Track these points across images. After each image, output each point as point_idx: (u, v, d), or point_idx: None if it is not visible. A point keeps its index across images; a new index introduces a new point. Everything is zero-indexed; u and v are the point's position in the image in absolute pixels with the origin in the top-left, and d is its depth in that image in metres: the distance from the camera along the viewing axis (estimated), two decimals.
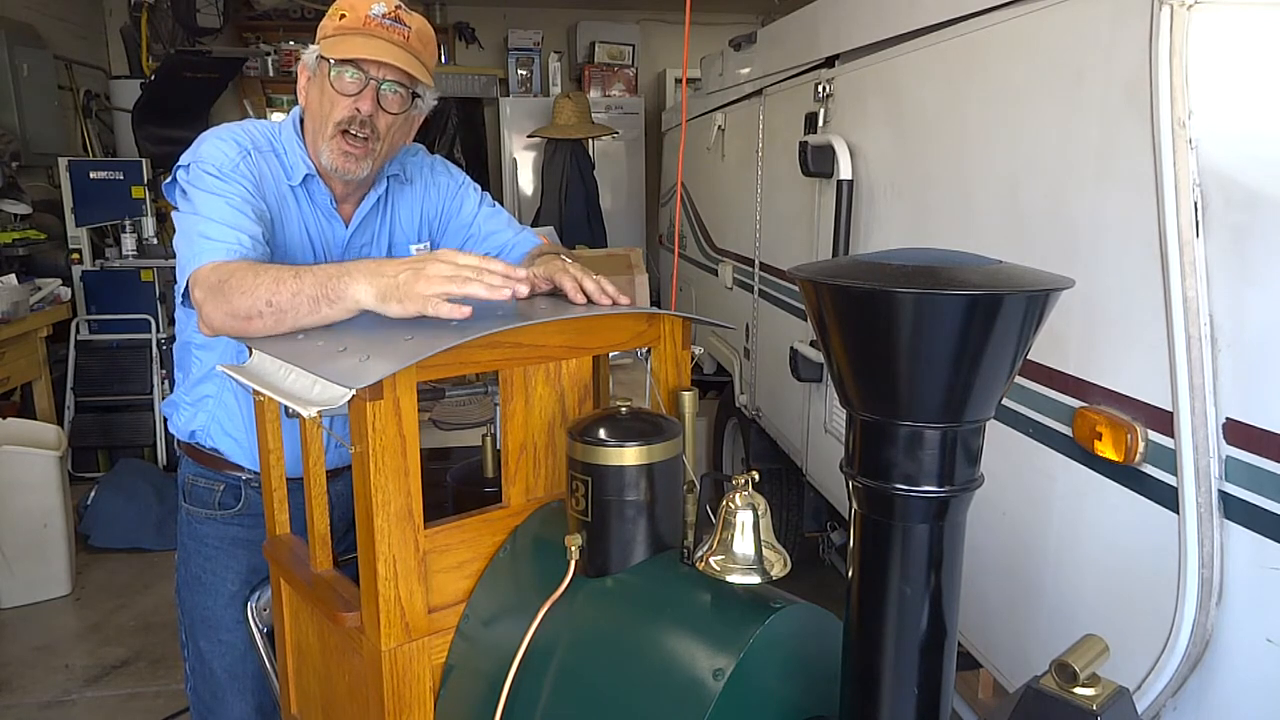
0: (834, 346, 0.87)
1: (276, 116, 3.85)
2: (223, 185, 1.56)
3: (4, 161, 4.76)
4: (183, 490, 1.87)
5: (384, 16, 1.59)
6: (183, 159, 1.62)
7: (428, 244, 1.87)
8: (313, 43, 1.66)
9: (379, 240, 1.81)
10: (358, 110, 1.60)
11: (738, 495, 1.09)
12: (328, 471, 1.57)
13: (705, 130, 4.16)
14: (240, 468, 1.81)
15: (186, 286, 1.51)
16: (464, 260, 1.33)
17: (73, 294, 5.00)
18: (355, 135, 1.62)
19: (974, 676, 1.98)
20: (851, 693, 0.95)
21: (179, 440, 1.88)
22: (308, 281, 1.39)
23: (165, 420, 1.83)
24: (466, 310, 1.28)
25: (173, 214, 1.62)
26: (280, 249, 1.66)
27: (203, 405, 1.79)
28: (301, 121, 1.72)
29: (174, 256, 1.64)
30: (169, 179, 1.66)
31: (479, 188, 1.94)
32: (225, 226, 1.51)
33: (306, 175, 1.69)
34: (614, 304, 1.50)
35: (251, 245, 1.51)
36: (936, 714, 0.92)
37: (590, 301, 1.50)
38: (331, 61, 1.58)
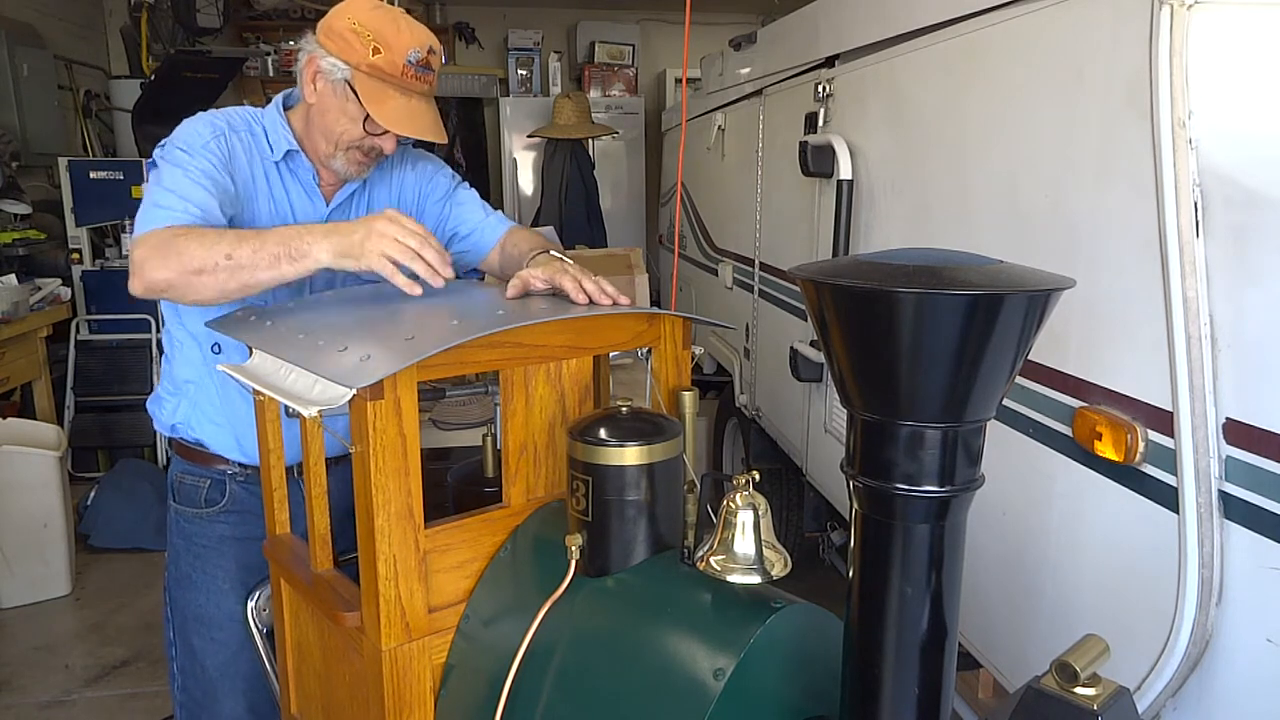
0: (834, 346, 0.87)
1: None
2: (188, 159, 1.61)
3: (4, 161, 4.75)
4: (172, 489, 1.88)
5: (418, 64, 1.64)
6: (163, 141, 1.68)
7: None
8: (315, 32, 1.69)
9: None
10: (379, 145, 1.71)
11: (738, 495, 1.09)
12: (326, 459, 1.58)
13: (705, 130, 4.16)
14: (225, 460, 1.81)
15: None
16: (410, 225, 1.50)
17: (73, 294, 4.99)
18: (368, 153, 1.73)
19: (974, 676, 1.98)
20: (852, 693, 0.95)
21: (167, 436, 1.90)
22: (269, 240, 1.49)
23: (152, 419, 1.87)
24: (417, 289, 1.48)
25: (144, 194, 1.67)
26: (251, 223, 1.70)
27: (184, 392, 1.81)
28: (286, 106, 1.77)
29: None
30: (149, 161, 1.70)
31: (456, 175, 2.01)
32: (179, 196, 1.55)
33: (288, 151, 1.74)
34: (614, 304, 1.51)
35: (203, 215, 1.55)
36: (936, 714, 0.92)
37: (591, 302, 1.51)
38: (367, 110, 1.64)
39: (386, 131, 1.67)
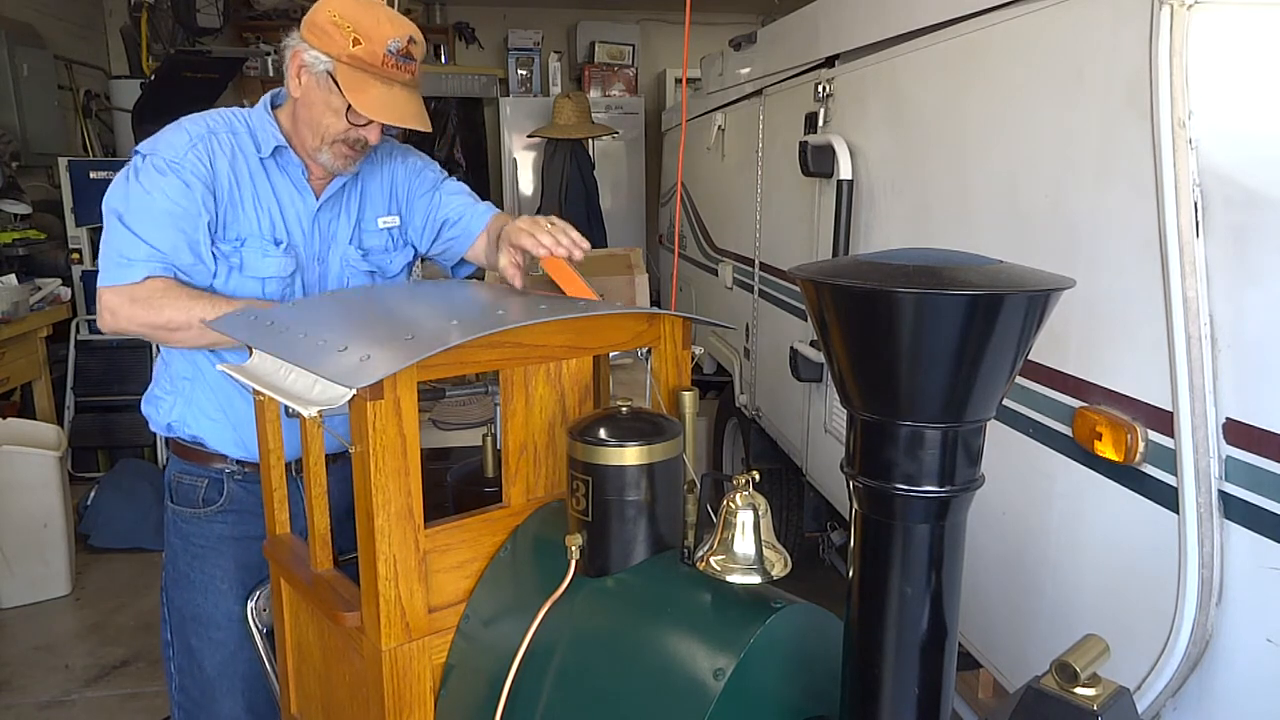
0: (834, 346, 0.87)
1: None
2: (161, 180, 1.64)
3: (4, 161, 4.75)
4: (169, 489, 1.89)
5: (398, 54, 1.65)
6: (141, 145, 1.70)
7: (397, 218, 1.94)
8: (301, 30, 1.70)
9: (347, 211, 1.87)
10: (364, 136, 1.71)
11: (738, 495, 1.09)
12: (326, 456, 1.58)
13: (705, 130, 4.16)
14: (223, 458, 1.82)
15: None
16: None
17: (73, 294, 4.99)
18: (353, 146, 1.74)
19: (974, 676, 1.98)
20: (852, 693, 0.95)
21: (163, 436, 1.91)
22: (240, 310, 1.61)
23: (147, 421, 1.89)
24: None
25: (108, 192, 1.69)
26: (237, 223, 1.73)
27: (180, 390, 1.82)
28: (274, 105, 1.79)
29: None
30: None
31: (444, 170, 2.05)
32: (148, 245, 1.63)
33: (277, 147, 1.75)
34: (571, 255, 1.63)
35: (171, 264, 1.64)
36: (936, 714, 0.92)
37: (550, 254, 1.63)
38: (348, 99, 1.66)
39: (370, 122, 1.68)
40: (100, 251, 1.69)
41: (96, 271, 1.67)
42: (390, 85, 1.66)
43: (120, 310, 1.63)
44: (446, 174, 2.03)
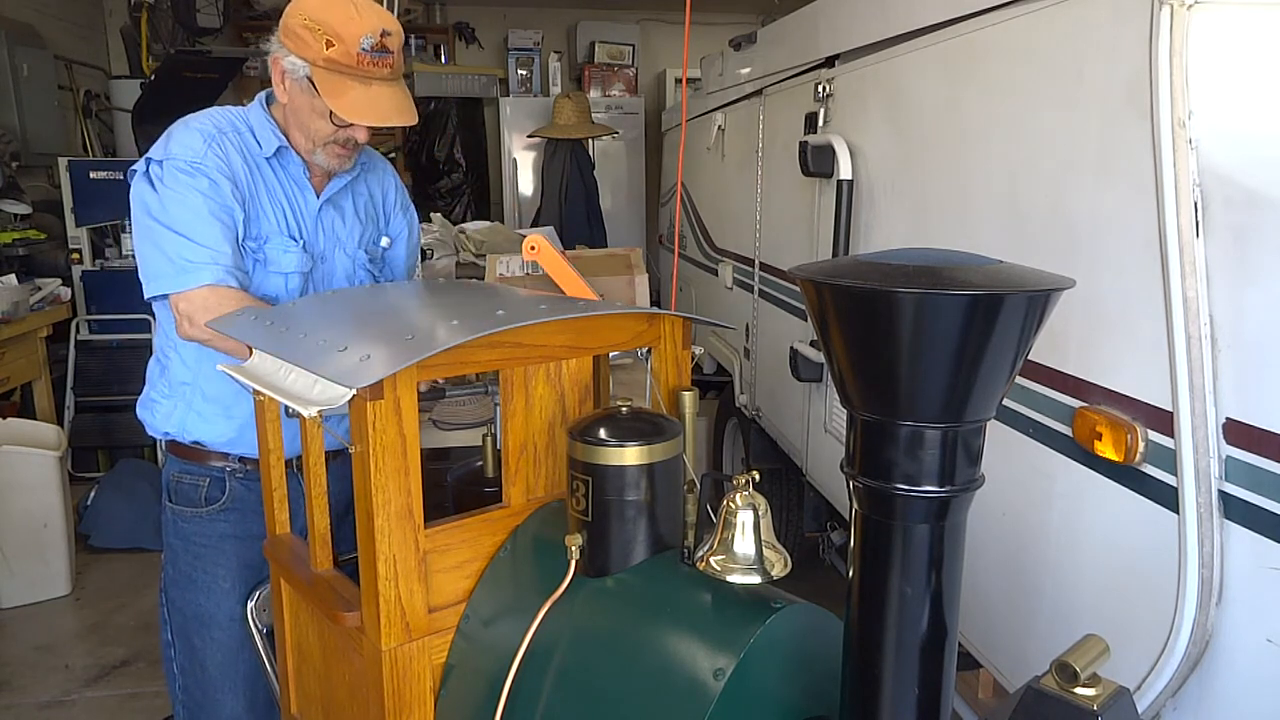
0: (835, 346, 0.87)
1: None
2: (191, 182, 1.64)
3: (4, 161, 4.75)
4: (168, 489, 1.88)
5: (373, 49, 1.62)
6: (153, 152, 1.68)
7: (389, 239, 2.00)
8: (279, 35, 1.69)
9: (356, 214, 1.89)
10: (352, 136, 1.73)
11: (738, 495, 1.09)
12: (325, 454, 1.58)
13: (705, 130, 4.16)
14: (224, 456, 1.81)
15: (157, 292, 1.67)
16: None
17: (73, 294, 4.98)
18: (345, 145, 1.75)
19: (974, 676, 1.98)
20: (851, 693, 0.95)
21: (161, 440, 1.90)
22: None
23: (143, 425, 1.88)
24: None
25: (134, 205, 1.68)
26: (258, 220, 1.74)
27: (180, 394, 1.81)
28: (269, 102, 1.80)
29: None
30: (136, 168, 1.70)
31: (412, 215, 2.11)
32: (204, 247, 1.62)
33: (279, 147, 1.76)
34: None
35: (231, 258, 1.64)
36: (936, 714, 0.92)
37: None
38: (327, 104, 1.65)
39: (353, 124, 1.69)
40: (147, 258, 1.67)
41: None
42: (369, 84, 1.65)
43: (196, 319, 1.63)
44: (416, 227, 2.10)
